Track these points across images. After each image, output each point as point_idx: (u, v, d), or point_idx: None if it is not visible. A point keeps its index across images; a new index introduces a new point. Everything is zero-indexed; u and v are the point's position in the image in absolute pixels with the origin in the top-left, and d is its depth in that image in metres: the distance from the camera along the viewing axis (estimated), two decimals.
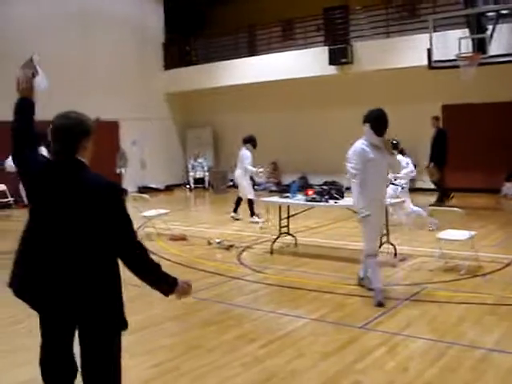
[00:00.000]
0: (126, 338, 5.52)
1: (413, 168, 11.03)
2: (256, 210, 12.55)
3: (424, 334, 5.52)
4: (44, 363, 3.45)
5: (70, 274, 3.10)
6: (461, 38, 13.26)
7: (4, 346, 5.53)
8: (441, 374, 4.59)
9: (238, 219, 12.93)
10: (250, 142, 12.75)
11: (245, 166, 12.59)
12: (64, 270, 3.10)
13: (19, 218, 14.39)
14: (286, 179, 19.05)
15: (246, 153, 12.64)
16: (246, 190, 12.77)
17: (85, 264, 3.10)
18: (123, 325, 3.28)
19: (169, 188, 20.88)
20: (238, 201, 13.00)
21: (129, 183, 19.93)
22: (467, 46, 13.28)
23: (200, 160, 20.77)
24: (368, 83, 17.64)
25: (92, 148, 3.28)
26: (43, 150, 8.74)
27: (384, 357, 4.98)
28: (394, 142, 10.63)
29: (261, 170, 12.88)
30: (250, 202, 12.71)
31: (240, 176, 12.81)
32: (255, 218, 12.48)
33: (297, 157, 19.14)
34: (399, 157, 10.55)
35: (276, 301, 6.96)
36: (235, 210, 13.07)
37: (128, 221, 3.15)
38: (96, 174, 3.16)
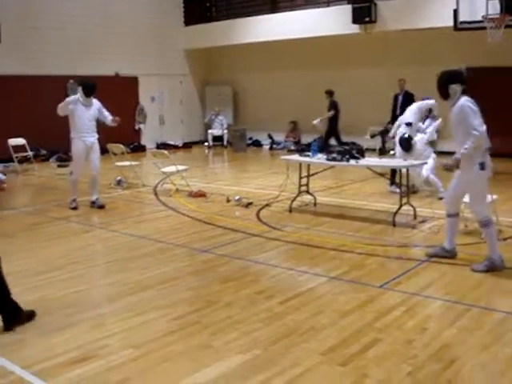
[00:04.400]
0: (148, 292, 5.67)
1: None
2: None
3: (442, 296, 5.53)
4: None
5: None
6: None
7: None
8: (459, 335, 4.60)
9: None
10: None
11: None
12: None
13: (39, 173, 14.52)
14: (305, 139, 19.00)
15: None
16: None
17: None
18: None
19: (187, 145, 20.85)
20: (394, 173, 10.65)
21: (147, 139, 20.00)
22: (495, 7, 13.01)
23: (220, 117, 20.65)
24: (391, 43, 17.38)
25: None
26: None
27: (403, 316, 5.00)
28: None
29: None
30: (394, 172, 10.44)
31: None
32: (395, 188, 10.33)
33: (316, 116, 18.96)
34: None
35: (295, 258, 6.98)
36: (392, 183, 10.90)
37: None
38: None
